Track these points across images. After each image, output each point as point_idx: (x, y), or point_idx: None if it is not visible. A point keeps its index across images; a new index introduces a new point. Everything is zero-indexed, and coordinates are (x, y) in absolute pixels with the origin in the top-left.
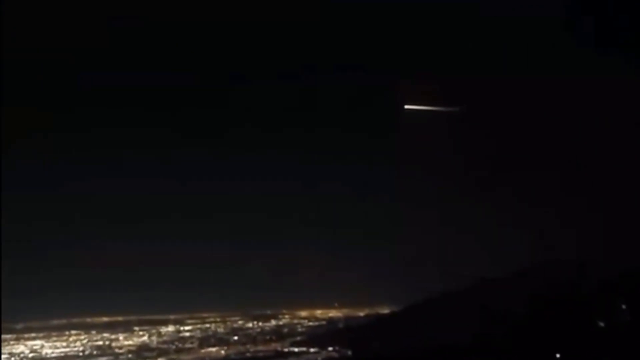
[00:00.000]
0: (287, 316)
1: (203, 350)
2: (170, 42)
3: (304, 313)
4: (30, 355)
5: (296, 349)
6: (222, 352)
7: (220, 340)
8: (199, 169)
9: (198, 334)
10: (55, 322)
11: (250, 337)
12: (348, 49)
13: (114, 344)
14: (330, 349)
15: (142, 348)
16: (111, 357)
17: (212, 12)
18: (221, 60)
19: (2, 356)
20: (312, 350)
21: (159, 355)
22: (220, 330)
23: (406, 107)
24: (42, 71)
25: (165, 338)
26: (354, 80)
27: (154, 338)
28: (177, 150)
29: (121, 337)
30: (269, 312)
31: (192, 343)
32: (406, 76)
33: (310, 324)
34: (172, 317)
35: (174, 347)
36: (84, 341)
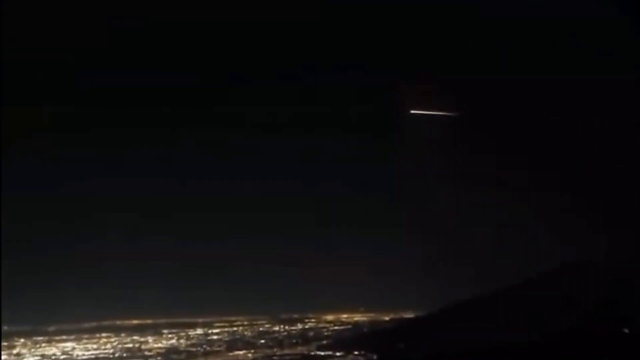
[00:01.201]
0: (313, 320)
1: (231, 354)
2: (171, 42)
3: (330, 317)
4: (62, 357)
5: (322, 353)
6: (250, 355)
7: (247, 344)
8: (212, 168)
9: (226, 337)
10: (86, 324)
11: (277, 341)
12: (348, 49)
13: (143, 347)
14: (356, 352)
15: (171, 351)
16: None
17: (211, 12)
18: (221, 60)
19: (34, 358)
20: (338, 354)
21: (188, 358)
22: (248, 333)
23: (411, 111)
24: (42, 71)
25: (193, 341)
26: (354, 80)
27: (182, 341)
28: (186, 151)
29: (150, 339)
30: (295, 315)
31: (219, 346)
32: (407, 77)
33: (336, 327)
34: (200, 320)
35: (202, 350)
36: (114, 343)
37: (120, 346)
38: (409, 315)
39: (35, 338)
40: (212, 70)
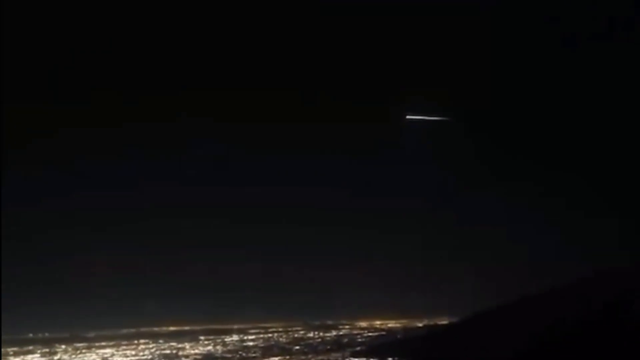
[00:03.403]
0: (347, 326)
1: None
2: (170, 42)
3: (363, 323)
4: None
5: (356, 359)
6: None
7: (282, 350)
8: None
9: (261, 343)
10: (125, 331)
11: (311, 347)
12: (348, 53)
13: (180, 353)
14: (389, 359)
15: (208, 357)
16: None
17: (213, 13)
18: (221, 61)
19: None
20: None
21: None
22: (283, 340)
23: (407, 117)
24: (42, 71)
25: (229, 347)
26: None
27: (218, 347)
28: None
29: (187, 346)
30: (329, 322)
31: (255, 352)
32: (406, 82)
33: (370, 334)
34: (235, 326)
35: (238, 356)
36: (152, 350)
37: (158, 352)
38: (443, 321)
39: (75, 344)
40: (212, 71)
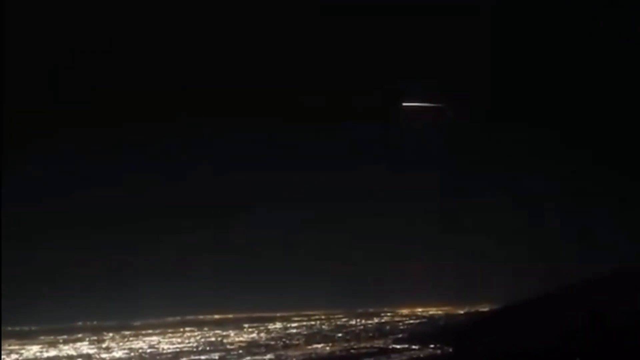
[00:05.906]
0: (389, 314)
1: (309, 347)
2: (170, 42)
3: (405, 311)
4: (149, 350)
5: (398, 346)
6: (327, 348)
7: (325, 337)
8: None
9: (304, 330)
10: (170, 319)
11: (354, 334)
12: (345, 49)
13: (225, 340)
14: (431, 346)
15: (252, 344)
16: (223, 353)
17: (212, 13)
18: (221, 61)
19: (122, 352)
20: (414, 347)
21: (267, 351)
22: (325, 327)
23: (404, 104)
24: (42, 71)
25: (273, 335)
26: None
27: (262, 334)
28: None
29: (232, 333)
30: (371, 309)
31: (298, 340)
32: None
33: (412, 321)
34: (279, 314)
35: (281, 343)
36: (198, 337)
37: (203, 340)
38: (484, 308)
39: (123, 332)
40: (212, 71)
